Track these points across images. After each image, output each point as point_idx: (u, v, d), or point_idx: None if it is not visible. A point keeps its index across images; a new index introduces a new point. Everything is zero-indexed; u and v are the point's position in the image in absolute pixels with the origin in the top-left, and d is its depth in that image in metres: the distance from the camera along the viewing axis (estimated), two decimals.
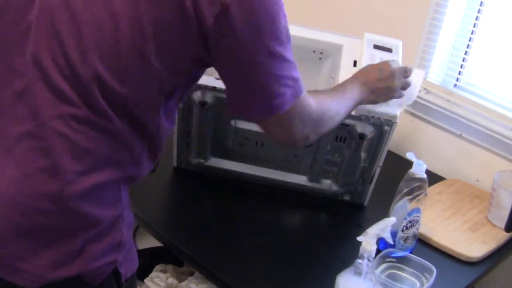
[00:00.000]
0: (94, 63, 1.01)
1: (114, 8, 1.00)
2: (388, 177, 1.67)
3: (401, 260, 1.48)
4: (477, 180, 1.93)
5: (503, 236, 1.65)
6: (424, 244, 1.61)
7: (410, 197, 1.47)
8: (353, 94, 1.37)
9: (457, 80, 1.98)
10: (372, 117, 1.53)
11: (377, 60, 1.55)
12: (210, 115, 1.60)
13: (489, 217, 1.72)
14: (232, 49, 1.05)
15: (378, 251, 1.41)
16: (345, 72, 1.57)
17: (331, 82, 1.69)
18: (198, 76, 1.21)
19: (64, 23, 1.02)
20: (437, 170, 1.97)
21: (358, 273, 1.25)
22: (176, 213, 1.64)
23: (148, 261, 1.87)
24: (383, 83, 1.44)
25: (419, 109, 2.03)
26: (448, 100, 1.94)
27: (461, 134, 1.95)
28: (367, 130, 1.55)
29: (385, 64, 1.46)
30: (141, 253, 2.01)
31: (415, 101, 1.98)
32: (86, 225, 1.06)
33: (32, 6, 1.04)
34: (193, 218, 1.58)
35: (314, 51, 1.72)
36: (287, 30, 1.08)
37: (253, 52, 1.05)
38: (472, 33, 1.92)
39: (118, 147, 1.08)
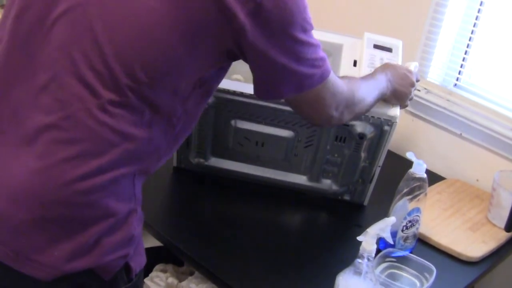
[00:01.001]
0: (127, 58, 1.03)
1: (152, 3, 1.01)
2: (388, 176, 1.67)
3: (401, 260, 1.48)
4: (477, 180, 1.93)
5: (503, 236, 1.65)
6: (424, 244, 1.61)
7: (410, 196, 1.47)
8: (381, 85, 1.44)
9: (457, 79, 1.98)
10: (372, 117, 1.53)
11: (377, 60, 1.57)
12: (210, 115, 1.60)
13: (489, 217, 1.72)
14: (263, 39, 1.07)
15: (378, 251, 1.41)
16: (345, 72, 1.57)
17: None
18: (226, 69, 1.22)
19: (97, 17, 1.03)
20: (437, 169, 1.97)
21: (358, 272, 1.25)
22: (176, 213, 1.64)
23: (148, 261, 1.86)
24: (405, 88, 1.50)
25: (419, 109, 2.03)
26: (448, 100, 1.94)
27: (461, 134, 1.95)
28: (367, 130, 1.55)
29: (410, 71, 1.53)
30: None
31: (415, 101, 1.99)
32: (103, 217, 1.08)
33: (58, 1, 1.06)
34: (193, 218, 1.58)
35: None
36: (310, 17, 1.13)
37: (284, 41, 1.09)
38: (472, 33, 1.92)
39: (144, 142, 1.09)
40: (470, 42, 1.93)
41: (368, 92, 1.37)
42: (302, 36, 1.11)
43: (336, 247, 1.53)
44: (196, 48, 1.06)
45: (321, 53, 1.17)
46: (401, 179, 1.49)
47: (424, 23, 1.96)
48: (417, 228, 1.52)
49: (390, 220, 1.30)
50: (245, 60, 1.14)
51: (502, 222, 1.63)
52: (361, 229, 1.31)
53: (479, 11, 1.89)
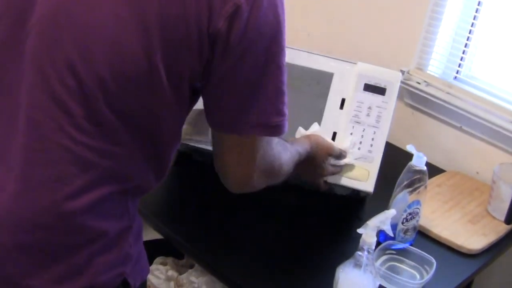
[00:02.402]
0: (99, 71, 0.97)
1: (119, 11, 0.97)
2: (388, 169, 1.67)
3: (401, 252, 1.49)
4: (477, 173, 1.93)
5: (503, 229, 1.65)
6: (424, 236, 1.61)
7: (410, 189, 1.47)
8: (295, 164, 1.34)
9: (457, 72, 1.98)
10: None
11: (364, 109, 1.46)
12: None
13: (489, 210, 1.72)
14: (240, 55, 1.02)
15: (378, 244, 1.41)
16: (330, 113, 1.48)
17: (317, 115, 1.55)
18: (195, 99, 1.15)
19: (66, 29, 0.99)
20: (437, 162, 1.97)
21: (358, 265, 1.25)
22: (176, 205, 1.64)
23: (148, 254, 1.86)
24: (317, 170, 1.45)
25: (419, 102, 2.03)
26: (448, 93, 1.94)
27: (461, 127, 1.95)
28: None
29: (325, 157, 1.45)
30: None
31: (415, 94, 1.99)
32: (92, 239, 1.03)
33: (32, 12, 1.01)
34: (193, 210, 1.58)
35: (301, 79, 1.58)
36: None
37: (262, 59, 1.05)
38: (472, 26, 1.91)
39: (123, 160, 1.04)
40: (470, 35, 1.92)
41: (287, 169, 1.30)
42: (282, 61, 1.08)
43: (336, 239, 1.53)
44: (170, 59, 1.00)
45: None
46: (401, 171, 1.49)
47: (424, 15, 1.95)
48: (417, 221, 1.52)
49: (390, 213, 1.30)
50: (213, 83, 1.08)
51: (502, 214, 1.63)
52: (361, 221, 1.31)
53: (479, 3, 1.88)
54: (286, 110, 1.11)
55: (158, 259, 1.79)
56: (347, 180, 1.46)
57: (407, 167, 1.48)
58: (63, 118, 0.98)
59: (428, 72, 2.01)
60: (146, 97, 1.02)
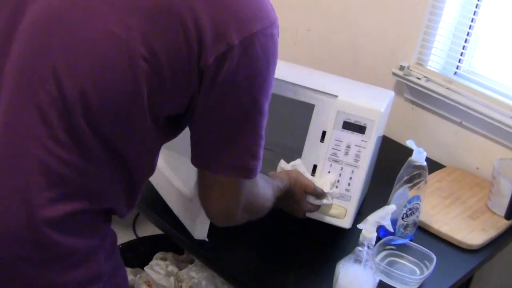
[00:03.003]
0: (83, 85, 0.95)
1: (113, 28, 0.96)
2: (388, 164, 1.67)
3: (401, 247, 1.49)
4: (477, 168, 1.93)
5: (503, 224, 1.65)
6: (424, 232, 1.61)
7: (410, 184, 1.47)
8: (275, 199, 1.32)
9: (457, 68, 1.98)
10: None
11: (342, 148, 1.41)
12: None
13: (489, 205, 1.72)
14: (224, 95, 1.02)
15: (378, 239, 1.42)
16: (311, 146, 1.44)
17: (299, 146, 1.49)
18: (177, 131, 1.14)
19: (57, 37, 0.98)
20: (437, 158, 1.97)
21: (358, 260, 1.26)
22: None
23: (148, 249, 1.87)
24: (295, 206, 1.42)
25: (419, 97, 2.03)
26: (448, 88, 1.94)
27: (461, 122, 1.95)
28: None
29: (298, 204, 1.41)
30: (141, 241, 2.03)
31: (415, 89, 1.99)
32: (60, 255, 0.99)
33: (23, 16, 1.00)
34: None
35: (282, 109, 1.49)
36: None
37: (246, 103, 1.05)
38: (472, 21, 1.91)
39: (96, 179, 1.01)
40: (470, 30, 1.92)
41: (269, 205, 1.29)
42: (265, 107, 1.08)
43: (336, 234, 1.53)
44: (154, 83, 0.99)
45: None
46: (401, 167, 1.49)
47: (424, 11, 1.95)
48: (417, 216, 1.52)
49: (390, 208, 1.30)
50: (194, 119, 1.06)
51: (502, 210, 1.63)
52: (362, 217, 1.31)
53: None
54: (262, 153, 1.10)
55: (158, 255, 1.79)
56: (324, 217, 1.46)
57: (407, 162, 1.48)
58: (41, 127, 0.96)
59: (428, 67, 2.01)
60: (125, 120, 0.99)
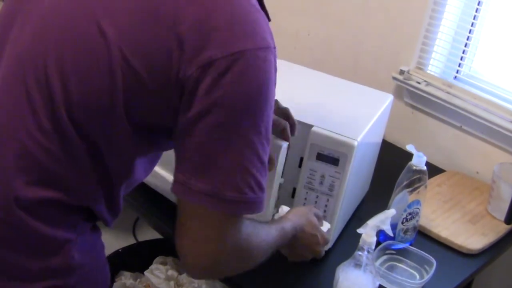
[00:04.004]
0: (66, 75, 0.97)
1: (101, 25, 0.96)
2: (388, 169, 1.67)
3: (401, 252, 1.49)
4: (477, 172, 1.93)
5: (503, 228, 1.65)
6: (424, 236, 1.61)
7: (410, 189, 1.47)
8: (282, 241, 1.21)
9: (457, 72, 1.98)
10: None
11: (317, 178, 1.39)
12: None
13: (489, 209, 1.72)
14: (203, 112, 0.95)
15: (378, 243, 1.41)
16: (290, 172, 1.43)
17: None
18: (162, 144, 1.10)
19: (51, 26, 1.00)
20: (437, 162, 1.97)
21: (358, 265, 1.26)
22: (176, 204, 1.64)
23: (148, 253, 1.87)
24: (303, 250, 1.31)
25: (419, 101, 2.03)
26: (448, 92, 1.94)
27: (461, 126, 1.95)
28: None
29: (316, 237, 1.30)
30: (141, 245, 2.03)
31: (415, 93, 1.99)
32: (30, 240, 1.01)
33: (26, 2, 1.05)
34: None
35: None
36: (269, 124, 1.00)
37: (227, 127, 0.96)
38: (472, 25, 1.91)
39: (74, 173, 1.01)
40: (470, 34, 1.92)
41: (266, 252, 1.14)
42: (253, 137, 0.98)
43: (336, 239, 1.53)
44: (136, 90, 0.98)
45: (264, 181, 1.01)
46: (401, 171, 1.49)
47: (424, 15, 1.95)
48: (417, 221, 1.52)
49: (390, 213, 1.30)
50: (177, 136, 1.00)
51: (502, 214, 1.63)
52: (361, 221, 1.31)
53: (479, 3, 1.88)
54: (248, 191, 0.98)
55: (158, 259, 1.79)
56: None
57: (407, 167, 1.48)
58: (27, 111, 0.98)
59: (428, 71, 2.01)
60: (104, 119, 0.99)
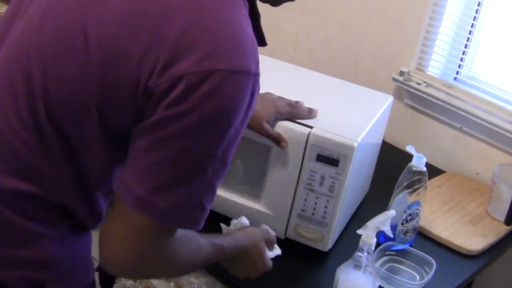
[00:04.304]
0: (46, 70, 0.99)
1: (88, 33, 0.97)
2: (388, 170, 1.67)
3: (401, 253, 1.49)
4: (477, 173, 1.93)
5: (503, 229, 1.65)
6: (424, 237, 1.61)
7: (410, 190, 1.47)
8: (218, 258, 1.21)
9: (457, 73, 1.98)
10: None
11: (317, 179, 1.40)
12: None
13: (489, 210, 1.72)
14: (162, 122, 0.94)
15: (378, 244, 1.42)
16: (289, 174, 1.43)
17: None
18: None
19: (43, 24, 1.02)
20: (437, 163, 1.97)
21: (358, 266, 1.26)
22: None
23: None
24: (238, 269, 1.30)
25: (419, 102, 2.03)
26: (448, 93, 1.94)
27: (461, 127, 1.95)
28: None
29: (256, 263, 1.29)
30: None
31: (415, 94, 1.99)
32: (7, 230, 1.02)
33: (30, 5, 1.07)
34: None
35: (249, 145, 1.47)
36: (229, 150, 0.98)
37: (179, 144, 0.95)
38: (472, 26, 1.91)
39: (50, 169, 1.02)
40: (470, 36, 1.92)
41: (193, 266, 1.16)
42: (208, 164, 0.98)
43: (336, 240, 1.53)
44: (107, 95, 0.98)
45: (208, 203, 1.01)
46: (401, 172, 1.49)
47: (424, 16, 1.95)
48: (417, 222, 1.52)
49: (390, 214, 1.30)
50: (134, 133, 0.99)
51: (502, 215, 1.63)
52: (361, 222, 1.31)
53: (479, 4, 1.88)
54: (186, 207, 0.98)
55: None
56: (302, 239, 1.47)
57: (407, 168, 1.48)
58: (10, 101, 1.01)
59: (428, 72, 2.01)
60: (79, 120, 1.00)
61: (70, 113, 0.99)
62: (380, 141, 1.67)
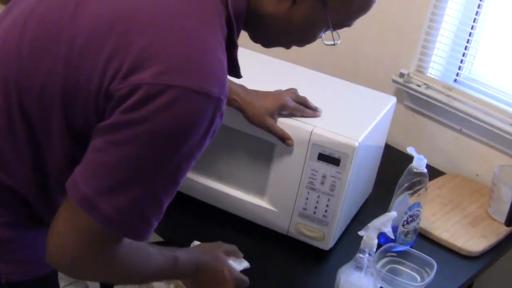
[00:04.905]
0: (23, 62, 1.02)
1: (62, 30, 1.00)
2: (389, 171, 1.67)
3: (402, 254, 1.49)
4: (477, 175, 1.93)
5: (503, 231, 1.66)
6: (424, 239, 1.61)
7: (410, 191, 1.47)
8: (173, 271, 1.21)
9: (457, 75, 1.98)
10: None
11: (318, 178, 1.41)
12: None
13: (489, 212, 1.72)
14: (118, 127, 0.96)
15: (379, 246, 1.42)
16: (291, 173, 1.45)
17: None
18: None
19: (27, 25, 1.04)
20: (437, 164, 1.97)
21: (359, 267, 1.26)
22: (176, 208, 1.64)
23: None
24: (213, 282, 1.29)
25: (420, 104, 2.03)
26: (448, 95, 1.94)
27: (461, 129, 1.95)
28: None
29: (223, 273, 1.30)
30: None
31: (416, 96, 1.99)
32: None
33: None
34: (194, 214, 1.58)
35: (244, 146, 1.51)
36: (181, 169, 0.99)
37: (129, 152, 0.96)
38: (472, 28, 1.91)
39: (12, 157, 1.05)
40: (470, 37, 1.93)
41: (142, 274, 1.15)
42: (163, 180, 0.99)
43: (337, 241, 1.53)
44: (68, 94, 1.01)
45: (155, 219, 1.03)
46: (402, 174, 1.49)
47: (424, 18, 1.96)
48: (417, 223, 1.53)
49: (391, 215, 1.30)
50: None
51: (502, 216, 1.63)
52: (362, 223, 1.31)
53: (479, 6, 1.88)
54: (128, 215, 0.98)
55: None
56: (304, 238, 1.48)
57: (407, 169, 1.48)
58: None
59: (428, 74, 2.02)
60: (46, 115, 1.02)
61: (38, 105, 1.02)
62: (383, 142, 1.68)
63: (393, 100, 1.62)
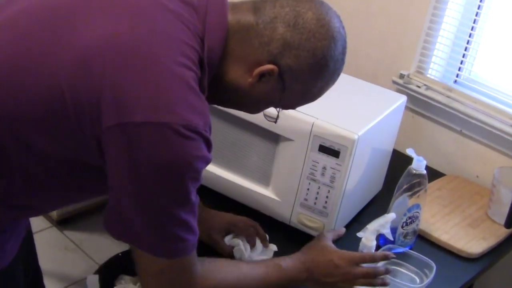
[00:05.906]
0: (8, 92, 1.01)
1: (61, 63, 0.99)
2: (388, 173, 1.67)
3: (401, 256, 1.48)
4: (477, 176, 1.93)
5: (503, 232, 1.65)
6: (424, 240, 1.61)
7: (410, 193, 1.47)
8: (281, 278, 1.24)
9: (457, 76, 1.98)
10: None
11: (319, 169, 1.43)
12: None
13: (489, 213, 1.72)
14: (113, 166, 0.98)
15: (378, 247, 1.42)
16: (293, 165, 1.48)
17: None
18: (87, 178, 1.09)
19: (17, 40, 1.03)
20: (437, 166, 1.97)
21: None
22: None
23: None
24: (331, 278, 1.28)
25: (419, 105, 2.03)
26: (448, 96, 1.94)
27: (461, 130, 1.95)
28: None
29: (332, 261, 1.28)
30: None
31: (415, 97, 1.99)
32: None
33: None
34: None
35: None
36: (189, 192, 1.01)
37: (127, 189, 0.99)
38: (472, 29, 1.91)
39: None
40: (470, 39, 1.93)
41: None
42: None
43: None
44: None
45: (187, 234, 1.05)
46: (401, 175, 1.49)
47: (424, 19, 1.96)
48: (417, 225, 1.52)
49: (390, 217, 1.30)
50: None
51: (502, 218, 1.63)
52: (361, 225, 1.31)
53: (479, 7, 1.88)
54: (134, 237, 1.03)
55: None
56: (305, 228, 1.50)
57: (407, 170, 1.48)
58: None
59: (428, 75, 2.01)
60: (20, 131, 1.02)
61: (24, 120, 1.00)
62: (393, 140, 1.68)
63: (402, 98, 1.63)
